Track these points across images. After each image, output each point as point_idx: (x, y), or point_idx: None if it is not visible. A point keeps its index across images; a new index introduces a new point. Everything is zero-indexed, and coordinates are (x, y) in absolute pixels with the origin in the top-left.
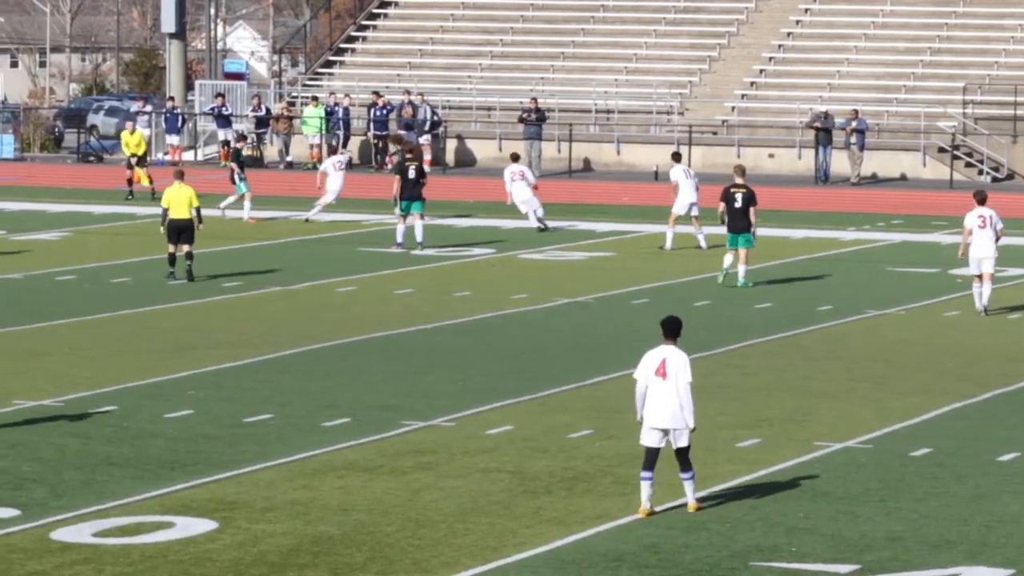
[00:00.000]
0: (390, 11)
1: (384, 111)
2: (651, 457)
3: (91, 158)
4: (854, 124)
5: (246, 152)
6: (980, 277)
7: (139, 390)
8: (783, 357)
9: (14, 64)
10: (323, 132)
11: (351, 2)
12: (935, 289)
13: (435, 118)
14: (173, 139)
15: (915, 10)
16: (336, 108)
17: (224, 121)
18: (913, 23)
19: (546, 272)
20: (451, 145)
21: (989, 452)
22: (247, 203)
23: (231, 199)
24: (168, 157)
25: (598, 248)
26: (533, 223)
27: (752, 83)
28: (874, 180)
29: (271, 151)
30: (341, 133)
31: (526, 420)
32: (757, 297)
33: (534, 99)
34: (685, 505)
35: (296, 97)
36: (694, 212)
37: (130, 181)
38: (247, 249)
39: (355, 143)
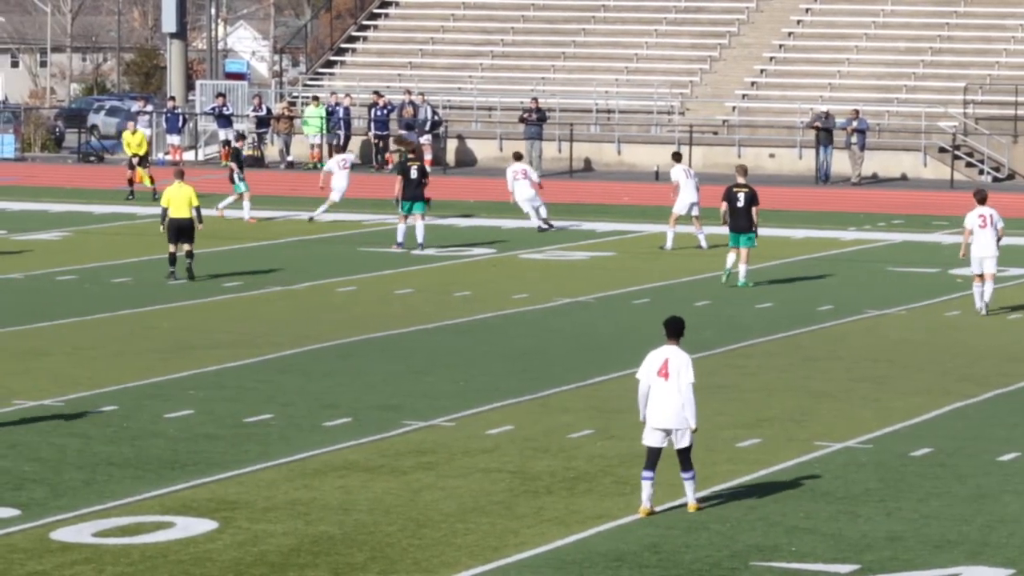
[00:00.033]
0: (391, 11)
1: (385, 111)
2: (653, 457)
3: (92, 158)
4: (855, 124)
5: (246, 152)
6: (981, 276)
7: (140, 390)
8: (783, 357)
9: (15, 64)
10: (324, 132)
11: (352, 2)
12: (936, 289)
13: (436, 118)
14: (174, 139)
15: (916, 10)
16: (337, 108)
17: (225, 121)
18: (914, 23)
19: (547, 272)
20: (452, 145)
21: (990, 452)
22: (246, 203)
23: (230, 199)
24: (169, 157)
25: (599, 248)
26: (534, 223)
27: (753, 83)
28: (875, 180)
29: (272, 151)
30: (342, 133)
31: (527, 420)
32: (757, 297)
33: (535, 99)
34: (685, 505)
35: (297, 97)
36: (694, 212)
37: (131, 181)
38: (247, 249)
39: (356, 143)
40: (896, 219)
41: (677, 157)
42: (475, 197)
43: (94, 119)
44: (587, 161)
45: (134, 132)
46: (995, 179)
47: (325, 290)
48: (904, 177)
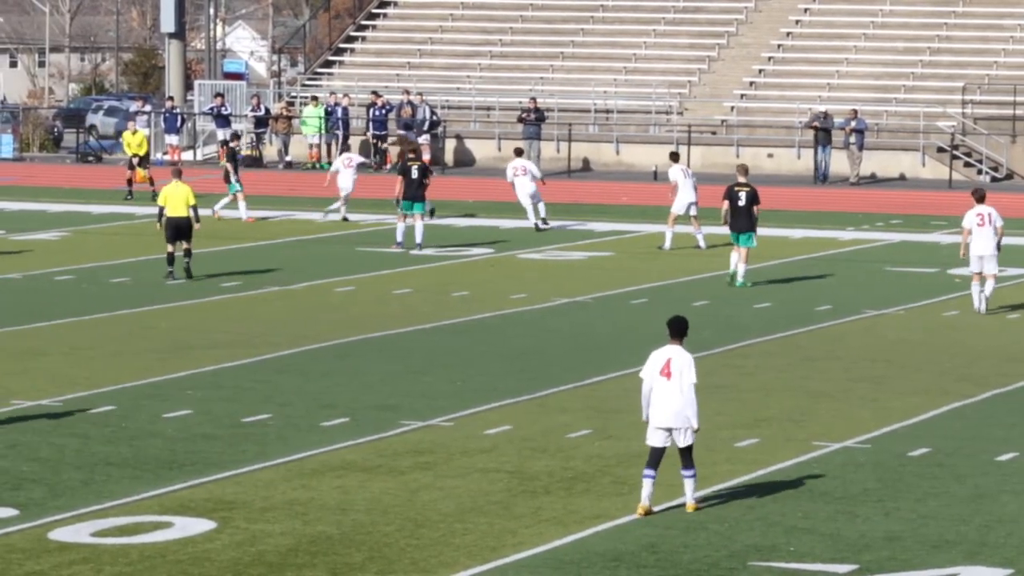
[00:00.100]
0: (389, 11)
1: (383, 111)
2: (656, 456)
3: (90, 158)
4: (853, 124)
5: (245, 152)
6: (979, 275)
7: (138, 390)
8: (782, 357)
9: (13, 64)
10: (322, 132)
11: (350, 2)
12: (934, 289)
13: (434, 118)
14: (172, 139)
15: (914, 10)
16: (335, 108)
17: (223, 121)
18: (912, 23)
19: (545, 272)
20: (450, 145)
21: (988, 452)
22: (241, 203)
23: (224, 200)
24: (167, 157)
25: (597, 248)
26: (531, 221)
27: (751, 83)
28: (873, 180)
29: (270, 151)
30: (340, 133)
31: (525, 420)
32: (756, 297)
33: (533, 99)
34: (683, 505)
35: (295, 97)
36: (693, 212)
37: (130, 181)
38: (245, 249)
39: (354, 143)
40: (894, 219)
41: (675, 157)
42: (473, 197)
43: (92, 119)
44: (585, 161)
45: (134, 132)
46: (993, 179)
47: (323, 290)
48: (902, 177)
